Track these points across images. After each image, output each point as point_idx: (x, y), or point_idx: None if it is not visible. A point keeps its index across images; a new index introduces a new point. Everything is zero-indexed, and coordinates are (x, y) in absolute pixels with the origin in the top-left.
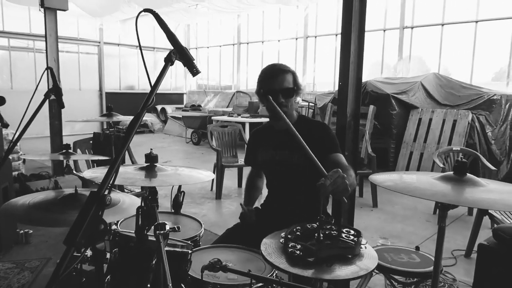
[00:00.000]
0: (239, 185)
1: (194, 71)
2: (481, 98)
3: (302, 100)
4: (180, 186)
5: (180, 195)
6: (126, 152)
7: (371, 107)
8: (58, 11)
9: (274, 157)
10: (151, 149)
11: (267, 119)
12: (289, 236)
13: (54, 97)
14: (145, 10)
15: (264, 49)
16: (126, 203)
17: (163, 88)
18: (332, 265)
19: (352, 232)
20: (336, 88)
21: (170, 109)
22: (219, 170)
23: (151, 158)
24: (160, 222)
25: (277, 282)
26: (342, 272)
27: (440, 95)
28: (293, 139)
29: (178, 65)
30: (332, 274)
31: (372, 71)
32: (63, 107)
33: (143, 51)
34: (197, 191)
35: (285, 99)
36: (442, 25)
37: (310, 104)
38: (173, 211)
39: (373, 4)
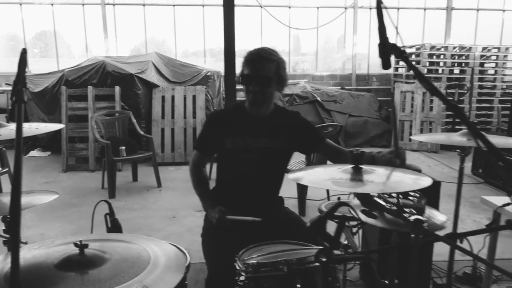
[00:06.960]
0: None
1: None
2: (200, 75)
3: (5, 84)
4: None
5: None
6: None
7: (117, 88)
8: None
9: (250, 144)
10: None
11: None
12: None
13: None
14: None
15: None
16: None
17: None
18: None
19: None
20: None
21: None
22: None
23: (358, 159)
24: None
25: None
26: None
27: (168, 73)
28: (272, 128)
29: None
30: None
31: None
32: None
33: None
34: None
35: (259, 87)
36: (144, 5)
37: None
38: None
39: None
